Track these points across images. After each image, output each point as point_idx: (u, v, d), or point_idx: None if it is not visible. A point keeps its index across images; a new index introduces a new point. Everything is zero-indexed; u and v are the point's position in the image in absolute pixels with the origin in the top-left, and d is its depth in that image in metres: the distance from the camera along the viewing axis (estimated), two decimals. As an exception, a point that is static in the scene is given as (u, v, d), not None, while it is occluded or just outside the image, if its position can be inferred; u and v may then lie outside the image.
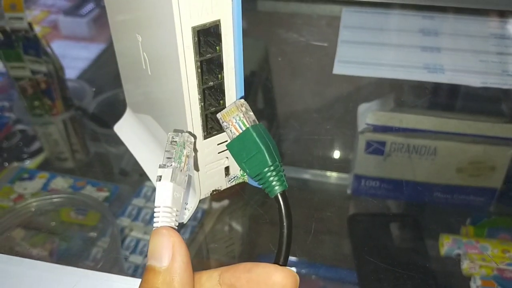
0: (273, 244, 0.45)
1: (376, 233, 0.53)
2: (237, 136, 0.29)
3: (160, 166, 0.26)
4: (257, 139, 0.28)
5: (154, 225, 0.25)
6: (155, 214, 0.26)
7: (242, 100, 0.29)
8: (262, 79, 0.66)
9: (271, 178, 0.28)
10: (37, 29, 0.83)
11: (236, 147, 0.29)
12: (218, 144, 0.32)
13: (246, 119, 0.29)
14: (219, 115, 0.29)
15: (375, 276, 0.47)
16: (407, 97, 0.63)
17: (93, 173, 0.58)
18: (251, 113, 0.29)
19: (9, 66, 0.58)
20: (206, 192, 0.33)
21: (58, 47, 0.80)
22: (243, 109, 0.29)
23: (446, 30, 0.73)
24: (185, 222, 0.32)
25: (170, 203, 0.25)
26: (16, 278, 0.28)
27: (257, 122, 0.29)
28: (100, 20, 0.85)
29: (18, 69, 0.57)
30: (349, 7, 0.78)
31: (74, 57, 0.77)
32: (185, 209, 0.32)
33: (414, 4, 0.77)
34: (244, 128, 0.28)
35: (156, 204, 0.26)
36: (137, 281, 0.27)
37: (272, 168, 0.28)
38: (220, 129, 0.31)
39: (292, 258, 0.45)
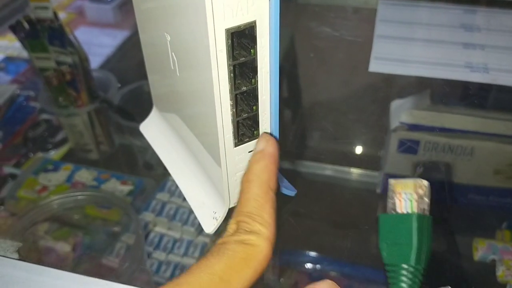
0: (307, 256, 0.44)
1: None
2: (397, 215, 0.26)
3: None
4: (414, 232, 0.25)
5: None
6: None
7: (426, 183, 0.26)
8: (290, 72, 0.64)
9: (404, 278, 0.25)
10: (63, 15, 0.83)
11: (388, 224, 0.26)
12: (249, 152, 0.30)
13: (417, 203, 0.25)
14: (392, 181, 0.27)
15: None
16: (444, 95, 0.61)
17: (118, 166, 0.58)
18: (427, 201, 0.26)
19: (34, 56, 0.57)
20: (235, 201, 0.32)
21: (83, 34, 0.79)
22: (421, 191, 0.26)
23: (490, 25, 0.69)
24: (211, 233, 0.31)
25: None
26: (40, 287, 0.27)
27: (427, 213, 0.26)
28: (126, 7, 0.84)
29: (43, 60, 0.57)
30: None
31: (99, 44, 0.76)
32: (213, 218, 0.31)
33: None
34: (409, 211, 0.25)
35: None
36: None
37: (411, 269, 0.25)
38: (252, 136, 0.30)
39: (317, 255, 0.44)
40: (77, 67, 0.57)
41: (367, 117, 0.58)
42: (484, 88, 0.60)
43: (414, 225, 0.25)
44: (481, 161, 0.52)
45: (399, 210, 0.26)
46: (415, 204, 0.25)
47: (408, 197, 0.26)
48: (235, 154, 0.30)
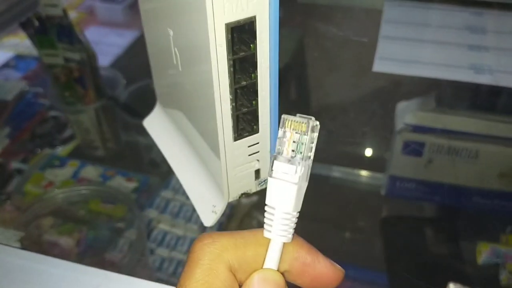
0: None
1: (409, 236, 0.51)
2: None
3: (277, 159, 0.22)
4: None
5: (268, 229, 0.22)
6: (270, 216, 0.22)
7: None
8: (295, 72, 0.64)
9: None
10: (73, 14, 0.84)
11: None
12: (249, 146, 0.31)
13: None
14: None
15: (405, 282, 0.45)
16: (450, 97, 0.61)
17: (123, 162, 0.58)
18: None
19: (42, 53, 0.58)
20: (234, 195, 0.32)
21: (93, 33, 0.80)
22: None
23: (495, 28, 0.69)
24: (210, 226, 0.31)
25: (292, 209, 0.22)
26: (40, 276, 0.28)
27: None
28: (136, 7, 0.85)
29: (51, 56, 0.57)
30: (392, 0, 0.74)
31: (108, 44, 0.77)
32: (213, 212, 0.31)
33: (461, -1, 0.73)
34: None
35: (272, 204, 0.22)
36: (160, 286, 0.26)
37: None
38: (252, 131, 0.30)
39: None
40: (84, 64, 0.58)
41: (372, 118, 0.57)
42: (490, 91, 0.60)
43: None
44: (485, 164, 0.51)
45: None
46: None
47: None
48: (234, 148, 0.30)
